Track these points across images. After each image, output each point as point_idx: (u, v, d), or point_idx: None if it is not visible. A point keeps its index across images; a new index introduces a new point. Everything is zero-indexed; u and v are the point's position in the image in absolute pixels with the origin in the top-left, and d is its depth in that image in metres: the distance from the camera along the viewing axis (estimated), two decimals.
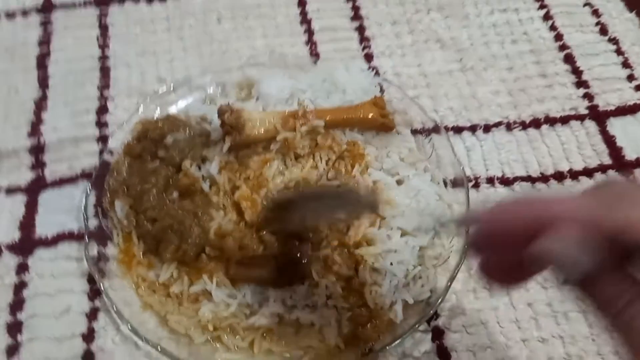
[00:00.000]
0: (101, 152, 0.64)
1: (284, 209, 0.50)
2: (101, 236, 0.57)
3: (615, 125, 0.67)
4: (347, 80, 0.66)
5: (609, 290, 0.29)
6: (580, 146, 0.65)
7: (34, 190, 0.63)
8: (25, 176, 0.64)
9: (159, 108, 0.65)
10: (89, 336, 0.54)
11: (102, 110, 0.68)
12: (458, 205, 0.57)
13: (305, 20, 0.76)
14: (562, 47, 0.73)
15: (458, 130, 0.66)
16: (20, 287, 0.57)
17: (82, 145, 0.66)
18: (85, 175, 0.63)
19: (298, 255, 0.52)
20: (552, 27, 0.75)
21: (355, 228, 0.53)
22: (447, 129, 0.65)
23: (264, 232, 0.53)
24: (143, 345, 0.52)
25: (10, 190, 0.63)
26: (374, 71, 0.70)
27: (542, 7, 0.77)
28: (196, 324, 0.52)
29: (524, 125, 0.67)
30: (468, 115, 0.67)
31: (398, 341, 0.50)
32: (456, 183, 0.58)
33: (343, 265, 0.52)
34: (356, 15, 0.77)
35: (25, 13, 0.77)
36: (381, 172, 0.59)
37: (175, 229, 0.55)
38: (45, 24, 0.76)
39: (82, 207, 0.58)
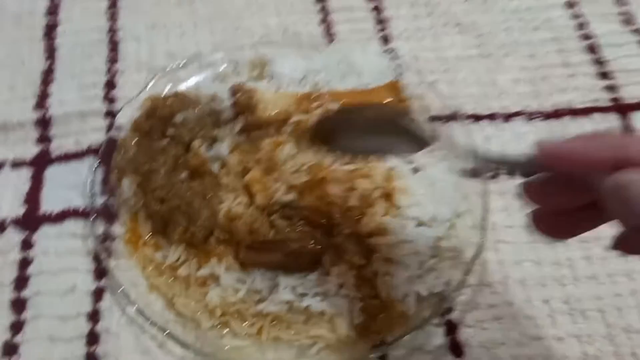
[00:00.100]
0: (109, 128, 0.62)
1: (331, 131, 0.45)
2: (108, 214, 0.56)
3: (639, 119, 0.64)
4: (363, 62, 0.64)
5: None
6: None
7: (39, 164, 0.61)
8: (31, 150, 0.62)
9: (169, 85, 0.63)
10: (94, 316, 0.53)
11: (110, 84, 0.67)
12: (475, 195, 0.55)
13: None
14: (585, 37, 0.71)
15: (477, 118, 0.64)
16: (24, 263, 0.55)
17: (89, 120, 0.64)
18: (91, 150, 0.61)
19: (311, 241, 0.51)
20: (575, 15, 0.73)
21: (369, 217, 0.52)
22: (465, 116, 0.64)
23: (274, 217, 0.52)
24: (149, 328, 0.51)
25: (16, 164, 0.61)
26: (392, 54, 0.68)
27: None
28: (204, 308, 0.51)
29: (545, 116, 0.65)
30: (487, 103, 0.65)
31: (410, 334, 0.49)
32: (474, 173, 0.57)
33: (356, 254, 0.51)
34: None
35: None
36: (396, 159, 0.57)
37: (184, 210, 0.53)
38: None
39: (89, 184, 0.57)
